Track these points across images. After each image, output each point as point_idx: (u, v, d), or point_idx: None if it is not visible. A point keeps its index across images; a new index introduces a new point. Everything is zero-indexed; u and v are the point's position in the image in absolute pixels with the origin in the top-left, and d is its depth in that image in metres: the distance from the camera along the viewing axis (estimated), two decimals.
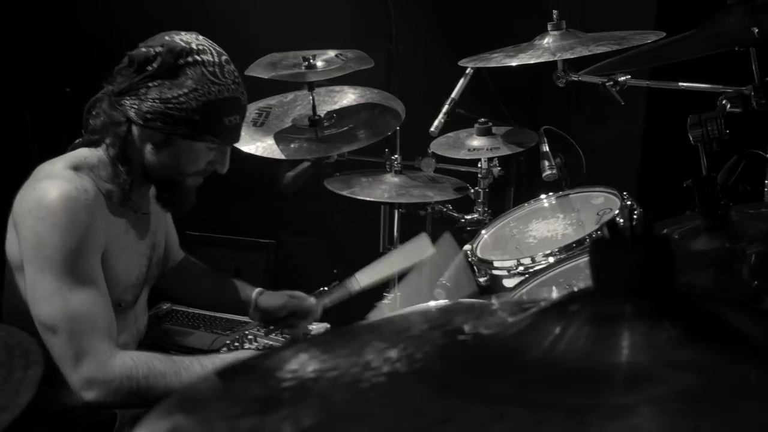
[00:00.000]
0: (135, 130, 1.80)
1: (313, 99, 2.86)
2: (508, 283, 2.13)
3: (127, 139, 1.79)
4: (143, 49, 1.77)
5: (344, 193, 2.60)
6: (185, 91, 1.73)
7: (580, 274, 1.96)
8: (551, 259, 2.07)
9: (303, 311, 2.22)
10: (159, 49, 1.75)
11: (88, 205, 1.72)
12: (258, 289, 2.23)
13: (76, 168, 1.78)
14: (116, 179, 1.81)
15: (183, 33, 1.80)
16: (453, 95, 2.77)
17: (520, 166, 2.99)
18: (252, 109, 2.76)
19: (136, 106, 1.75)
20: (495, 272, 2.19)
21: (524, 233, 2.35)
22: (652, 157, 3.14)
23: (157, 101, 1.74)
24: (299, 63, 2.80)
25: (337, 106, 2.99)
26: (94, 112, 1.84)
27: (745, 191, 1.52)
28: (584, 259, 2.00)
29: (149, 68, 1.74)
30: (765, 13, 1.38)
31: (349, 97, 3.02)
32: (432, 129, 2.74)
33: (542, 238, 2.28)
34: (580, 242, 2.07)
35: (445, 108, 2.75)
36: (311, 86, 2.84)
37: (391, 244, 2.81)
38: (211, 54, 1.78)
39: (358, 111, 2.92)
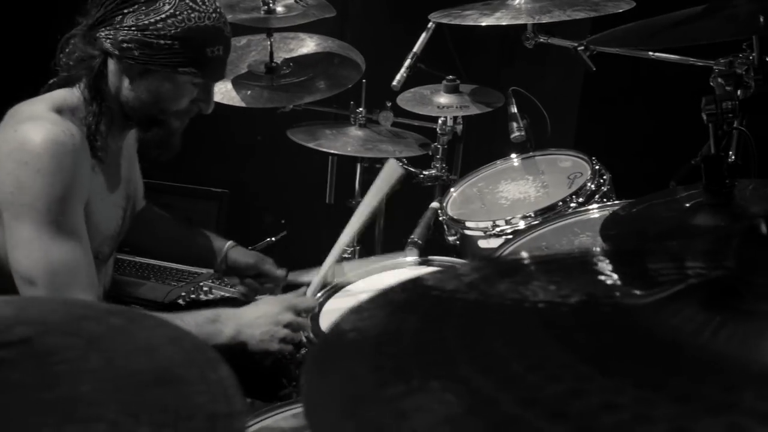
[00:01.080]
0: (111, 63, 1.69)
1: (271, 45, 2.78)
2: (484, 243, 2.16)
3: (102, 74, 1.69)
4: None
5: (310, 145, 2.56)
6: (163, 16, 1.63)
7: (561, 238, 2.01)
8: (522, 224, 2.11)
9: (269, 277, 2.18)
10: None
11: (75, 150, 1.62)
12: (229, 243, 2.18)
13: (60, 110, 1.67)
14: (91, 119, 1.70)
15: None
16: (415, 49, 2.75)
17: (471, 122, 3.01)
18: None
19: (111, 37, 1.65)
20: (468, 232, 2.22)
21: (495, 194, 2.39)
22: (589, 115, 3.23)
23: (133, 29, 1.64)
24: (258, 6, 2.71)
25: (294, 54, 2.92)
26: (67, 49, 1.72)
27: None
28: (563, 222, 2.06)
29: None
30: None
31: (306, 45, 2.95)
32: (394, 83, 2.72)
33: (515, 200, 2.33)
34: (554, 207, 2.12)
35: (407, 62, 2.73)
36: (270, 32, 2.76)
37: (351, 197, 2.79)
38: None
39: (316, 61, 2.86)
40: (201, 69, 1.70)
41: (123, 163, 1.88)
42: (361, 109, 2.67)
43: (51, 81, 1.75)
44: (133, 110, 1.74)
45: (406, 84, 2.73)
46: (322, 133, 2.63)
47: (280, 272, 2.17)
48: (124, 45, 1.65)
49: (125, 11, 1.65)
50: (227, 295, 2.62)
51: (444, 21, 2.40)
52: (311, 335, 1.91)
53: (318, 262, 3.20)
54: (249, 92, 2.67)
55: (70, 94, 1.72)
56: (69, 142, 1.62)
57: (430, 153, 2.71)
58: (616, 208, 2.00)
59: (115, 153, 1.82)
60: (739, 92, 1.61)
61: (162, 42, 1.64)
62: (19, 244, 1.59)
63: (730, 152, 1.71)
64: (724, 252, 0.69)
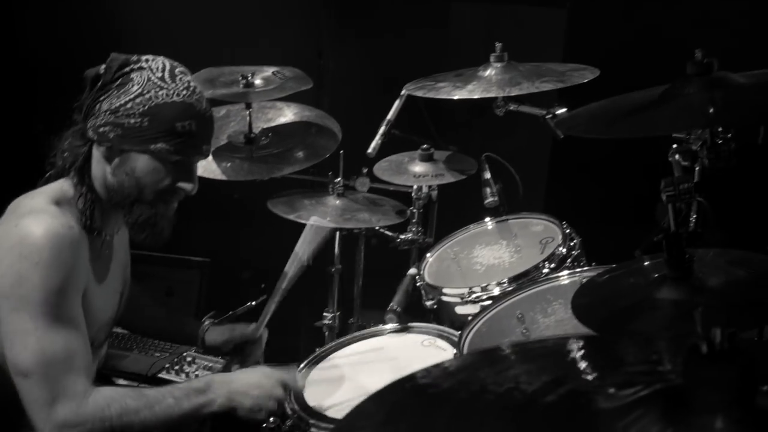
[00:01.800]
0: (95, 151, 1.76)
1: (250, 116, 2.86)
2: (461, 310, 2.23)
3: (87, 162, 1.76)
4: (93, 69, 1.76)
5: (290, 216, 2.62)
6: (132, 96, 1.70)
7: (534, 306, 2.08)
8: (497, 291, 2.18)
9: (248, 343, 2.23)
10: (110, 63, 1.74)
11: (74, 243, 1.68)
12: (204, 325, 2.23)
13: (58, 203, 1.73)
14: (82, 205, 1.76)
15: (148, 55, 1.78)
16: (389, 117, 2.85)
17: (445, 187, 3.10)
18: None
19: (92, 125, 1.73)
20: (445, 298, 2.28)
21: (470, 259, 2.47)
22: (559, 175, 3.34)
23: (107, 113, 1.72)
24: (237, 80, 2.80)
25: (272, 123, 3.00)
26: (61, 146, 1.80)
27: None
28: (536, 289, 2.13)
29: (99, 83, 1.73)
30: (721, 88, 1.53)
31: (284, 114, 3.03)
32: (369, 151, 2.80)
33: (489, 265, 2.40)
34: (527, 273, 2.19)
35: (382, 129, 2.82)
36: (249, 104, 2.85)
37: (332, 264, 2.85)
38: (162, 62, 1.76)
39: (294, 130, 2.94)
40: (173, 145, 1.75)
41: (119, 248, 1.93)
42: (339, 179, 2.74)
43: (48, 174, 1.82)
44: (116, 193, 1.79)
45: (382, 151, 2.82)
46: (300, 204, 2.70)
47: (253, 332, 2.24)
48: (101, 130, 1.72)
49: (102, 99, 1.73)
50: (212, 365, 2.66)
51: (418, 94, 2.49)
52: (295, 406, 1.95)
53: (297, 324, 3.26)
54: (229, 164, 2.74)
55: (68, 185, 1.78)
56: (68, 234, 1.67)
57: (407, 216, 2.79)
58: (585, 274, 2.09)
59: (111, 239, 1.87)
60: (696, 167, 1.71)
61: (132, 121, 1.70)
62: (16, 336, 1.63)
63: (691, 221, 1.79)
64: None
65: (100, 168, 1.78)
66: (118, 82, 1.72)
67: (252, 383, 1.83)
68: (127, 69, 1.73)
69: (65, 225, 1.68)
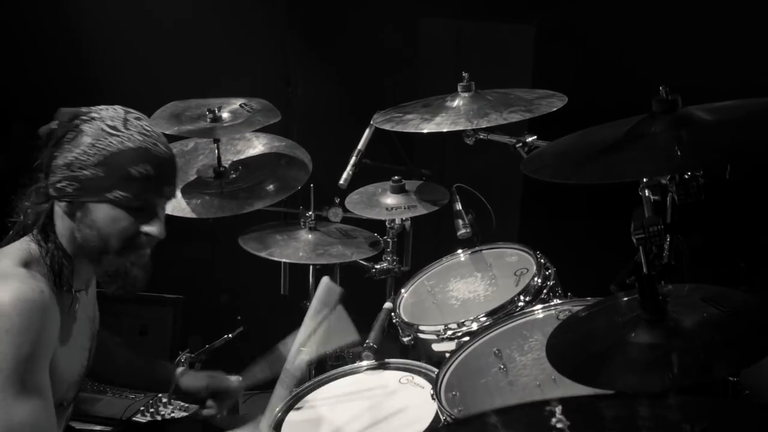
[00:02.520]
0: (56, 208, 1.72)
1: (219, 151, 2.82)
2: (437, 347, 2.21)
3: (50, 220, 1.72)
4: (46, 126, 1.71)
5: (262, 254, 2.59)
6: (84, 148, 1.67)
7: (511, 342, 2.07)
8: (474, 327, 2.16)
9: (223, 393, 2.19)
10: (61, 118, 1.70)
11: (44, 307, 1.63)
12: (179, 370, 2.18)
13: (27, 264, 1.68)
14: (50, 266, 1.71)
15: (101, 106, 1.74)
16: (359, 146, 2.82)
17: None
18: None
19: (51, 182, 1.70)
20: (422, 335, 2.26)
21: (445, 293, 2.45)
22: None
23: (62, 168, 1.68)
24: (204, 114, 2.76)
25: (241, 156, 2.97)
26: (22, 203, 1.75)
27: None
28: (512, 324, 2.12)
29: (51, 140, 1.70)
30: (685, 126, 1.53)
31: (253, 145, 3.00)
32: (341, 182, 2.78)
33: (464, 300, 2.38)
34: (503, 308, 2.18)
35: (353, 160, 2.80)
36: (217, 139, 2.81)
37: (306, 298, 2.82)
38: (114, 111, 1.72)
39: (264, 162, 2.91)
40: (131, 191, 1.70)
41: (87, 303, 1.88)
42: (310, 213, 2.71)
43: (11, 233, 1.77)
44: (82, 248, 1.74)
45: (354, 181, 2.80)
46: (272, 240, 2.67)
47: (231, 383, 2.18)
48: (59, 185, 1.68)
49: (56, 155, 1.69)
50: (186, 414, 2.62)
51: (386, 127, 2.48)
52: None
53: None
54: (198, 201, 2.70)
55: (34, 244, 1.73)
56: (38, 299, 1.62)
57: (381, 245, 2.77)
58: (560, 308, 2.08)
59: (79, 296, 1.83)
60: (667, 202, 1.70)
61: (87, 172, 1.67)
62: None
63: (665, 254, 1.79)
64: None
65: (64, 224, 1.73)
66: (70, 136, 1.68)
67: None
68: (77, 121, 1.69)
69: (35, 289, 1.63)
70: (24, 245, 1.72)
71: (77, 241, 1.73)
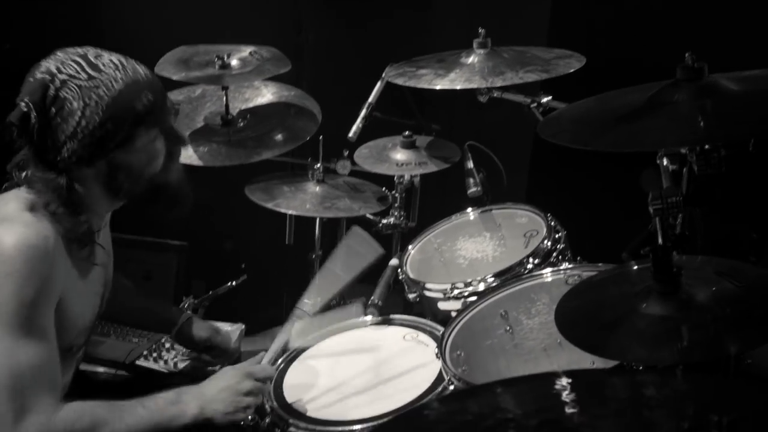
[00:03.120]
0: (78, 174, 1.68)
1: (227, 98, 2.78)
2: (443, 306, 2.20)
3: (72, 192, 1.68)
4: (16, 110, 1.64)
5: (268, 205, 2.57)
6: (78, 114, 1.62)
7: (518, 305, 2.06)
8: (480, 287, 2.15)
9: (222, 350, 2.20)
10: (26, 99, 1.63)
11: (49, 253, 1.61)
12: (184, 315, 2.18)
13: (33, 207, 1.65)
14: (75, 227, 1.69)
15: (41, 63, 1.66)
16: (370, 100, 2.78)
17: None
18: None
19: (60, 159, 1.65)
20: (428, 293, 2.25)
21: (453, 251, 2.43)
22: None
23: (68, 141, 1.63)
24: (212, 61, 2.71)
25: (250, 104, 2.92)
26: (23, 175, 1.70)
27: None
28: (520, 287, 2.10)
29: (32, 121, 1.63)
30: (710, 96, 1.49)
31: (262, 94, 2.95)
32: (350, 135, 2.75)
33: (472, 259, 2.37)
34: (511, 269, 2.16)
35: (363, 113, 2.76)
36: (225, 87, 2.76)
37: (312, 249, 2.81)
38: (72, 61, 1.64)
39: (273, 111, 2.87)
40: (145, 123, 1.68)
41: (100, 249, 1.87)
42: (318, 165, 2.68)
43: (9, 183, 1.74)
44: (133, 195, 1.74)
45: (363, 135, 2.76)
46: (279, 191, 2.64)
47: (233, 344, 2.19)
48: (74, 158, 1.64)
49: (47, 133, 1.63)
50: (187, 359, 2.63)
51: (398, 81, 2.43)
52: (274, 404, 1.93)
53: (278, 311, 3.22)
54: (206, 149, 2.66)
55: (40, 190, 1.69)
56: (42, 245, 1.60)
57: (389, 200, 2.75)
58: (569, 273, 2.07)
59: (93, 246, 1.81)
60: (685, 172, 1.67)
61: (97, 133, 1.63)
62: None
63: (678, 223, 1.76)
64: None
65: (91, 186, 1.71)
66: (54, 110, 1.62)
67: (219, 387, 1.79)
68: (51, 93, 1.62)
69: (40, 234, 1.61)
70: (31, 191, 1.70)
71: (118, 193, 1.73)
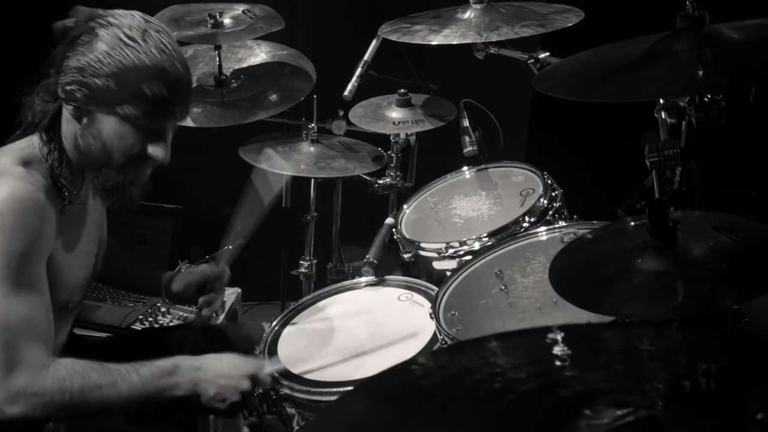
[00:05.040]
0: (64, 110, 1.66)
1: (220, 58, 2.73)
2: (438, 265, 2.18)
3: (56, 121, 1.66)
4: (61, 22, 1.64)
5: (263, 166, 2.53)
6: (98, 55, 1.59)
7: (513, 264, 2.03)
8: (476, 246, 2.12)
9: (209, 282, 2.16)
10: (74, 18, 1.63)
11: (39, 206, 1.60)
12: (167, 274, 2.16)
13: (27, 162, 1.63)
14: (50, 167, 1.66)
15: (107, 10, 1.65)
16: (365, 57, 2.73)
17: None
18: None
19: (61, 82, 1.63)
20: (423, 253, 2.23)
21: (448, 210, 2.40)
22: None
23: (73, 71, 1.61)
24: (204, 20, 2.66)
25: (243, 64, 2.87)
26: (29, 100, 1.68)
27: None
28: (515, 245, 2.08)
29: (66, 39, 1.62)
30: (712, 45, 1.44)
31: (255, 54, 2.90)
32: (346, 93, 2.70)
33: (468, 218, 2.34)
34: (506, 228, 2.13)
35: (358, 71, 2.72)
36: (218, 46, 2.71)
37: (307, 211, 2.79)
38: (133, 19, 1.63)
39: (267, 71, 2.82)
40: (141, 109, 1.63)
41: (93, 208, 1.85)
42: (312, 124, 2.64)
43: (18, 131, 1.71)
44: (84, 156, 1.69)
45: (358, 94, 2.72)
46: (273, 151, 2.61)
47: (212, 270, 2.17)
48: (68, 88, 1.62)
49: (68, 55, 1.61)
50: (183, 315, 2.62)
51: (393, 38, 2.38)
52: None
53: (274, 273, 3.20)
54: (200, 110, 2.62)
55: (38, 143, 1.68)
56: (33, 198, 1.59)
57: (385, 160, 2.71)
58: (565, 231, 2.04)
59: (84, 200, 1.79)
60: (683, 126, 1.63)
61: (98, 82, 1.60)
62: None
63: (676, 179, 1.73)
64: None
65: (70, 128, 1.68)
66: (85, 38, 1.61)
67: (220, 373, 1.75)
68: (93, 24, 1.61)
69: (30, 188, 1.60)
70: (27, 143, 1.68)
71: (80, 147, 1.68)
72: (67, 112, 1.66)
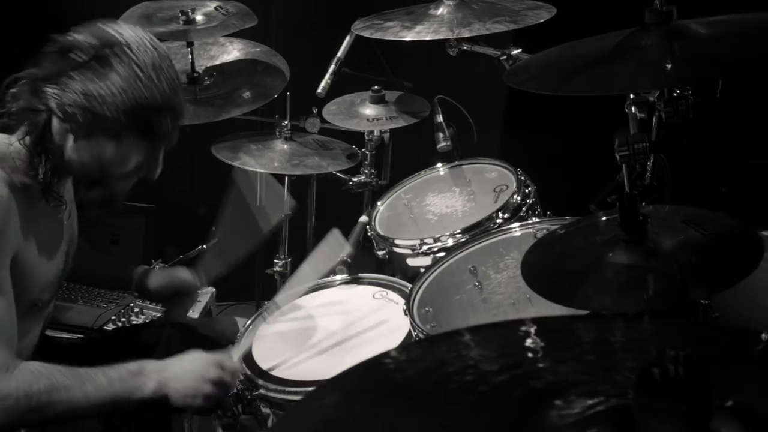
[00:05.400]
0: (55, 121, 1.63)
1: (192, 55, 2.72)
2: (412, 262, 2.18)
3: (45, 131, 1.63)
4: (70, 36, 1.62)
5: (235, 163, 2.52)
6: (111, 89, 1.58)
7: (487, 260, 2.04)
8: (450, 242, 2.12)
9: (185, 290, 2.16)
10: (86, 36, 1.61)
11: (2, 204, 1.57)
12: (140, 268, 2.14)
13: None
14: (33, 172, 1.64)
15: (123, 25, 1.65)
16: (339, 54, 2.73)
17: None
18: None
19: (57, 97, 1.60)
20: (397, 250, 2.23)
21: (422, 207, 2.40)
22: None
23: (79, 93, 1.59)
24: (176, 16, 2.65)
25: (216, 62, 2.86)
26: (11, 92, 1.65)
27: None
28: (489, 241, 2.08)
29: (74, 56, 1.60)
30: (680, 40, 1.46)
31: (228, 51, 2.89)
32: (319, 90, 2.70)
33: (442, 215, 2.34)
34: (480, 224, 2.14)
35: (332, 68, 2.72)
36: (190, 42, 2.70)
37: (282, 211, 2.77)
38: (147, 51, 1.62)
39: (240, 68, 2.81)
40: (146, 140, 1.66)
41: (66, 206, 1.82)
42: (286, 122, 2.63)
43: None
44: (75, 170, 1.69)
45: (332, 91, 2.71)
46: (247, 149, 2.59)
47: (192, 279, 2.15)
48: (69, 109, 1.60)
49: (72, 75, 1.59)
50: (157, 314, 2.60)
51: (365, 34, 2.38)
52: (243, 366, 1.90)
53: (249, 271, 3.18)
54: None
55: (3, 141, 1.65)
56: None
57: (359, 158, 2.71)
58: (538, 227, 2.05)
59: (57, 200, 1.76)
60: (653, 121, 1.65)
61: (107, 111, 1.59)
62: None
63: (647, 175, 1.75)
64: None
65: (59, 138, 1.65)
66: (95, 65, 1.59)
67: (185, 368, 1.74)
68: (107, 51, 1.59)
69: None
70: None
71: (72, 160, 1.66)
72: (60, 125, 1.63)
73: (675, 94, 1.53)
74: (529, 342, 1.02)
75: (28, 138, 1.64)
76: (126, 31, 1.64)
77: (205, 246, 2.99)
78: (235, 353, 1.88)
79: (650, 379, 0.64)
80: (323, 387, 0.98)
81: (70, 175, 1.74)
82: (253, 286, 3.18)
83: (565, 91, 1.46)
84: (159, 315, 2.61)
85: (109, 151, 1.65)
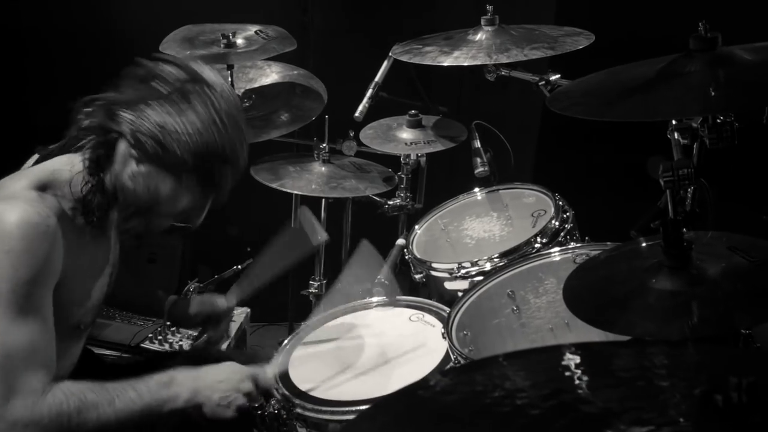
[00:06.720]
0: (122, 144, 1.64)
1: (232, 78, 2.76)
2: (450, 285, 2.18)
3: (110, 152, 1.65)
4: (154, 64, 1.64)
5: (274, 185, 2.54)
6: (187, 128, 1.59)
7: (526, 284, 2.03)
8: (487, 267, 2.12)
9: (216, 316, 2.16)
10: (171, 67, 1.63)
11: (49, 232, 1.58)
12: (170, 299, 2.16)
13: (42, 187, 1.62)
14: (85, 196, 1.65)
15: (203, 65, 1.67)
16: (376, 79, 2.76)
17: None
18: None
19: (132, 123, 1.61)
20: (434, 273, 2.23)
21: (459, 231, 2.40)
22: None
23: (155, 124, 1.60)
24: (218, 40, 2.69)
25: (254, 84, 2.90)
26: (86, 110, 1.66)
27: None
28: (527, 266, 2.08)
29: (156, 85, 1.62)
30: (724, 66, 1.45)
31: (266, 74, 2.93)
32: (357, 114, 2.73)
33: (479, 239, 2.34)
34: (518, 248, 2.13)
35: (369, 92, 2.74)
36: (230, 65, 2.74)
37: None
38: (226, 97, 1.64)
39: (278, 91, 2.85)
40: (203, 185, 1.67)
41: (112, 232, 1.84)
42: (324, 145, 2.66)
43: (52, 146, 1.71)
44: (126, 197, 1.68)
45: (369, 115, 2.74)
46: (285, 171, 2.62)
47: (222, 304, 2.15)
48: (141, 137, 1.61)
49: (151, 102, 1.61)
50: (194, 333, 2.62)
51: (404, 59, 2.40)
52: (280, 386, 1.91)
53: (284, 293, 3.19)
54: None
55: (64, 165, 1.67)
56: (43, 223, 1.57)
57: (396, 181, 2.72)
58: (577, 252, 2.04)
59: (106, 224, 1.78)
60: (695, 146, 1.64)
61: (177, 149, 1.60)
62: None
63: (687, 201, 1.73)
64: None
65: (120, 162, 1.66)
66: (176, 98, 1.61)
67: (219, 378, 1.75)
68: (189, 86, 1.61)
69: (41, 214, 1.58)
70: (50, 166, 1.67)
71: (126, 186, 1.67)
72: (126, 149, 1.65)
73: (719, 120, 1.52)
74: (573, 367, 1.01)
75: (91, 155, 1.64)
76: (207, 71, 1.65)
77: (240, 267, 3.02)
78: (270, 370, 1.89)
79: (712, 406, 0.63)
80: (370, 410, 0.98)
81: (118, 202, 1.73)
82: (287, 307, 3.20)
83: (611, 117, 1.46)
84: (194, 334, 2.63)
85: (165, 188, 1.65)
